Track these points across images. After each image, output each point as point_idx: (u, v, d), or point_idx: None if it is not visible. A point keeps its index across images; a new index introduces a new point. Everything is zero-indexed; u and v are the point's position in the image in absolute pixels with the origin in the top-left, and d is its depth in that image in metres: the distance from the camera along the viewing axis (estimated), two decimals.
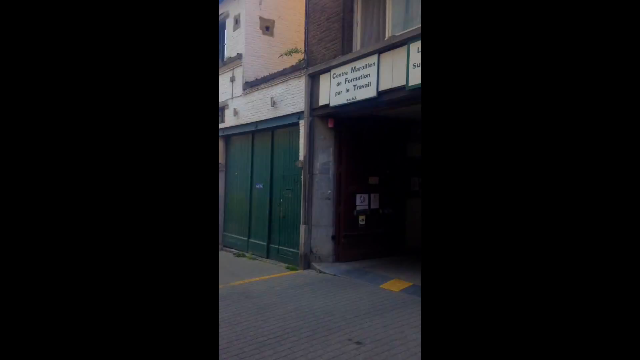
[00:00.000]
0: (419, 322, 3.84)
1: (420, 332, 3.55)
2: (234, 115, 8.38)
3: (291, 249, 6.93)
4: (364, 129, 6.63)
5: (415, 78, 4.69)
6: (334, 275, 5.79)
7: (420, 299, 4.62)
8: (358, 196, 6.60)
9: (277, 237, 7.45)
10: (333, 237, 6.44)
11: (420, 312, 4.30)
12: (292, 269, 6.44)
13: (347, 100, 5.62)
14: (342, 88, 5.72)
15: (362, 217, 6.64)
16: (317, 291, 4.96)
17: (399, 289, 5.02)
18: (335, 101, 5.81)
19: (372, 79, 5.27)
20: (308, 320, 3.92)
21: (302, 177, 6.52)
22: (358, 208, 6.59)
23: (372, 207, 6.75)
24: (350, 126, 6.46)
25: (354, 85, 5.52)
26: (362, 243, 6.63)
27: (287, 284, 5.42)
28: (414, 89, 4.73)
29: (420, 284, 5.13)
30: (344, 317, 3.99)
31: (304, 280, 5.59)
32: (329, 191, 6.41)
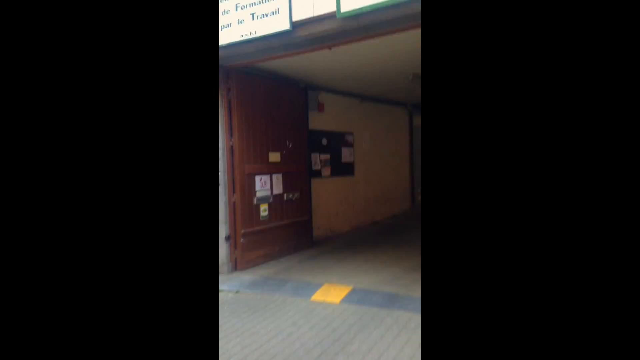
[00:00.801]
0: (408, 353, 2.49)
1: None
2: None
3: None
4: (260, 87, 4.93)
5: (351, 1, 3.26)
6: (237, 292, 4.02)
7: (376, 309, 3.30)
8: (258, 178, 4.90)
9: None
10: (227, 238, 4.62)
11: (393, 330, 2.80)
12: None
13: (242, 36, 3.84)
14: (231, 19, 3.89)
15: (264, 207, 4.98)
16: (223, 325, 3.15)
17: (338, 298, 3.61)
18: (221, 39, 3.96)
19: (281, 2, 3.62)
20: None
21: None
22: (259, 195, 4.90)
23: (274, 192, 5.14)
24: (242, 82, 4.68)
25: (252, 14, 3.78)
26: (265, 241, 4.99)
27: None
28: (350, 16, 3.31)
29: (362, 287, 3.82)
30: None
31: None
32: (219, 173, 4.54)
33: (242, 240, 4.65)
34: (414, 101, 8.36)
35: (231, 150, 4.60)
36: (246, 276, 4.42)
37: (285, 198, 5.29)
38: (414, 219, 7.80)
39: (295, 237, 5.46)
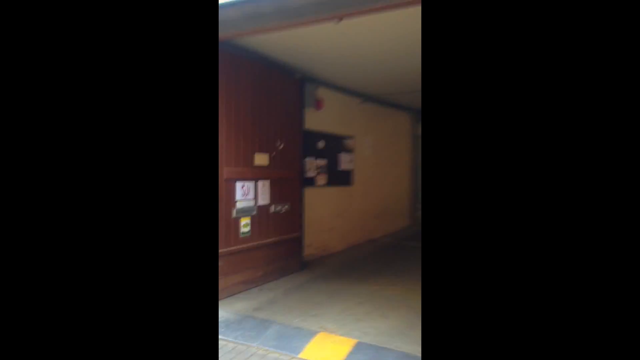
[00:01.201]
0: None
1: None
2: None
3: None
4: (247, 72, 3.98)
5: None
6: None
7: None
8: (239, 185, 3.93)
9: None
10: None
11: None
12: None
13: None
14: None
15: (245, 221, 4.00)
16: None
17: (339, 358, 2.65)
18: None
19: None
20: None
21: None
22: (240, 206, 3.93)
23: (260, 202, 4.17)
24: (224, 62, 3.72)
25: None
26: (246, 264, 4.00)
27: None
28: None
29: (369, 340, 2.86)
30: None
31: None
32: None
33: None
34: (418, 106, 7.52)
35: None
36: (218, 311, 3.43)
37: (272, 210, 4.33)
38: (414, 237, 6.91)
39: (283, 258, 4.49)
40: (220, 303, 3.60)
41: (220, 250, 3.69)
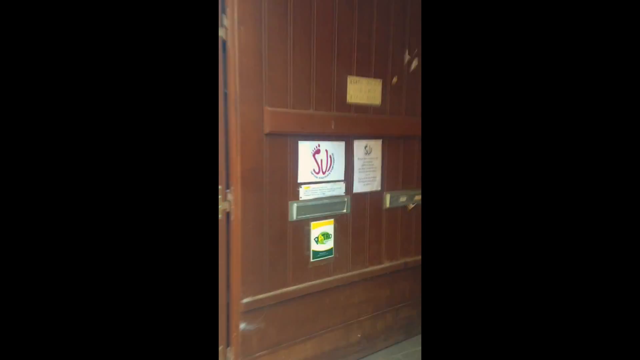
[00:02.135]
0: None
1: None
2: None
3: None
4: None
5: None
6: None
7: None
8: (307, 148, 1.75)
9: None
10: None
11: None
12: None
13: None
14: None
15: (322, 229, 1.83)
16: None
17: None
18: None
19: None
20: None
21: None
22: (307, 195, 1.77)
23: (358, 188, 1.94)
24: None
25: None
26: (321, 320, 1.88)
27: None
28: None
29: None
30: None
31: None
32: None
33: (243, 326, 1.64)
34: None
35: (223, 56, 1.52)
36: None
37: (387, 204, 2.05)
38: None
39: (409, 302, 2.22)
40: None
41: (256, 297, 1.64)
